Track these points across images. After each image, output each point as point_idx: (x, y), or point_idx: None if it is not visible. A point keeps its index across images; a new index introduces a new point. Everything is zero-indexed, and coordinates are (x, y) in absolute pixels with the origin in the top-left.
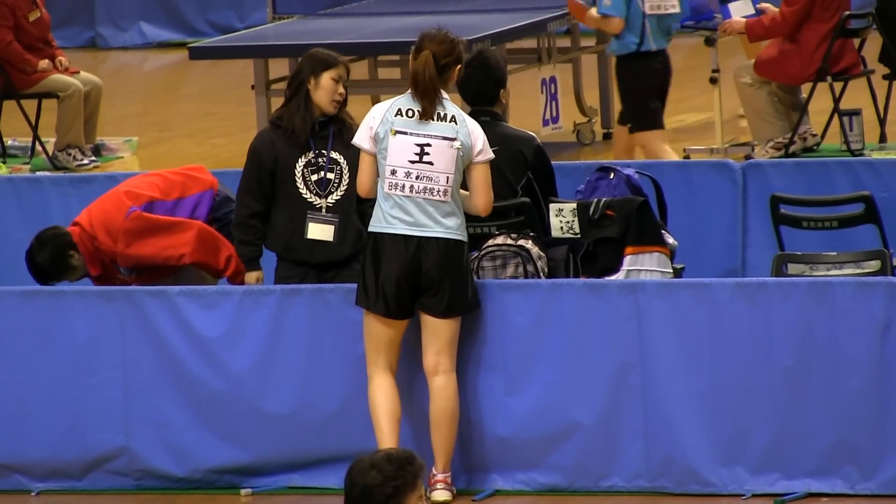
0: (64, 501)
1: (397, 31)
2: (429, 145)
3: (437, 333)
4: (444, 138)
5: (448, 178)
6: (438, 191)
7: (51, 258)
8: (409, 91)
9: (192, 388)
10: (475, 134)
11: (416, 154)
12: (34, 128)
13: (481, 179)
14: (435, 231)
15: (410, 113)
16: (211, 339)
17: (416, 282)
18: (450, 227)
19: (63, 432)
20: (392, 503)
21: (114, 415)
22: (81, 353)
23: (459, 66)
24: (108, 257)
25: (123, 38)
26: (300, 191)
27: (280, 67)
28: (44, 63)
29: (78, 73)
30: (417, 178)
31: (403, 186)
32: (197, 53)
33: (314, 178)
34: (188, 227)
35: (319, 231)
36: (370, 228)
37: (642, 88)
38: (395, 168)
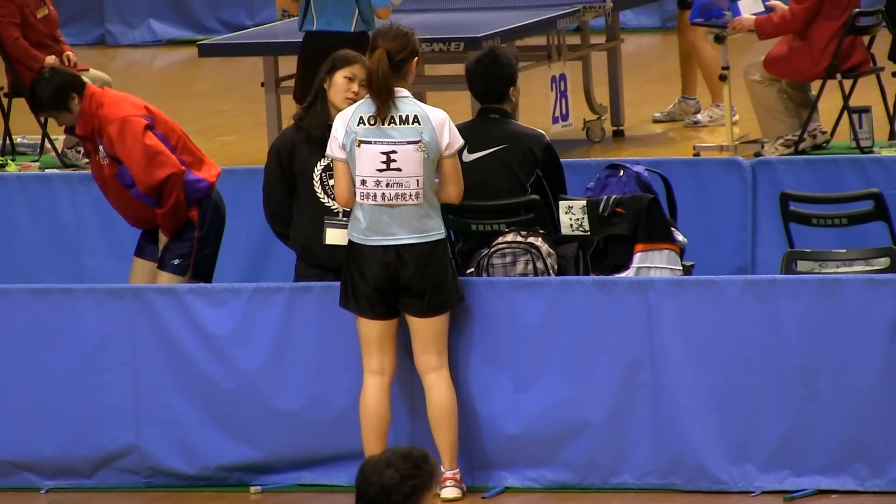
0: (73, 499)
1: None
2: (394, 152)
3: (422, 333)
4: (409, 142)
5: (418, 180)
6: (411, 195)
7: (54, 87)
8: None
9: (201, 385)
10: (441, 129)
11: (383, 162)
12: (43, 125)
13: (451, 170)
14: (411, 238)
15: (372, 120)
16: (220, 336)
17: (396, 285)
18: (425, 230)
19: (72, 430)
20: (410, 502)
21: (123, 412)
22: (91, 350)
23: (416, 59)
24: (97, 126)
25: (133, 36)
26: (318, 195)
27: (290, 65)
28: (51, 60)
29: (87, 70)
30: (388, 185)
31: (375, 195)
32: (206, 51)
33: (332, 182)
34: (169, 165)
35: (338, 236)
36: (348, 236)
37: (299, 63)
38: (365, 178)
